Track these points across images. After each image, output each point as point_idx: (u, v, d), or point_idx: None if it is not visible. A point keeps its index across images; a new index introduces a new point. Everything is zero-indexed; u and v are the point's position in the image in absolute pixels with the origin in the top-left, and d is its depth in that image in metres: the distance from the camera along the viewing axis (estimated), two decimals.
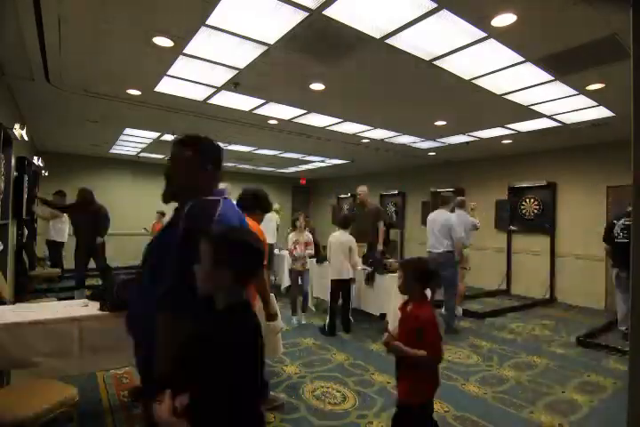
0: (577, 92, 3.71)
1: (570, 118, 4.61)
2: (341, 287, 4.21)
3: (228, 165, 9.38)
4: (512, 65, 3.12)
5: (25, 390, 1.80)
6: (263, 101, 4.27)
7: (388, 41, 2.75)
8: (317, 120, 5.02)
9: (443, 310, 4.43)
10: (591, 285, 5.93)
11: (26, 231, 5.39)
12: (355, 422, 2.38)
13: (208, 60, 3.22)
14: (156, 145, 6.95)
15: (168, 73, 3.49)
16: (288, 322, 4.35)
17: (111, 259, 8.27)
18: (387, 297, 4.03)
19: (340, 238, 4.25)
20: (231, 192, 1.91)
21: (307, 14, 2.43)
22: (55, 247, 6.26)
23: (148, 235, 8.47)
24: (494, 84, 3.57)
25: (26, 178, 4.82)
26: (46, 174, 7.21)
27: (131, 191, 9.07)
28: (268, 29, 2.66)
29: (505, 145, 6.19)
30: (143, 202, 8.96)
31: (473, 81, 3.48)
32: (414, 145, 6.48)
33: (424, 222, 5.12)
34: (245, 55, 3.09)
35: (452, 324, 4.37)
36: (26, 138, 4.07)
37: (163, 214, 8.59)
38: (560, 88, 3.61)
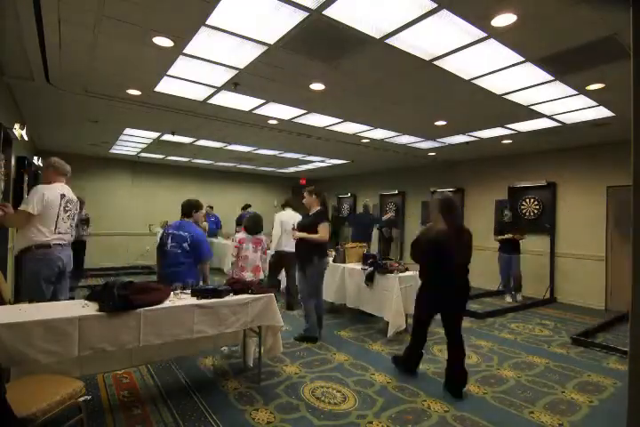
0: (577, 92, 3.71)
1: (570, 118, 4.61)
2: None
3: (227, 165, 9.38)
4: (512, 65, 3.13)
5: (34, 384, 1.81)
6: (263, 101, 4.27)
7: (388, 41, 2.75)
8: (317, 120, 5.02)
9: None
10: (591, 285, 5.93)
11: None
12: (355, 422, 2.38)
13: (208, 60, 3.22)
14: (156, 145, 6.93)
15: (168, 73, 3.50)
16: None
17: (112, 259, 8.32)
18: (386, 297, 4.03)
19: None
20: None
21: (307, 14, 2.43)
22: None
23: (150, 234, 8.32)
24: (494, 84, 3.57)
25: (26, 178, 4.82)
26: None
27: (131, 191, 9.08)
28: (268, 29, 2.66)
29: (505, 145, 6.19)
30: (143, 202, 8.97)
31: (473, 81, 3.48)
32: (414, 145, 6.48)
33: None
34: (245, 55, 3.09)
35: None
36: (26, 138, 4.07)
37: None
38: (560, 88, 3.61)
